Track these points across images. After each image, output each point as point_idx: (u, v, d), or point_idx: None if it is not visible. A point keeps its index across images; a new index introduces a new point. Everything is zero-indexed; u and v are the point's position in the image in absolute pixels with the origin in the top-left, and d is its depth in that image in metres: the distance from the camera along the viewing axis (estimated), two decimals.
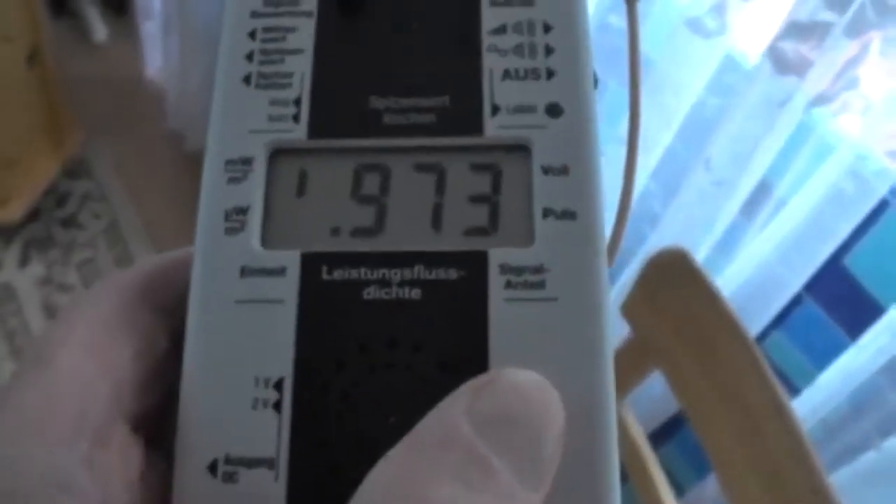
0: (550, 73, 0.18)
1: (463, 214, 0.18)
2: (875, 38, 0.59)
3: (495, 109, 0.18)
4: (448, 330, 0.17)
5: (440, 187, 0.18)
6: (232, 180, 0.18)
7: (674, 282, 0.56)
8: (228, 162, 0.18)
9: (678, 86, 0.74)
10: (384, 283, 0.17)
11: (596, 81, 0.19)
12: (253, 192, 0.18)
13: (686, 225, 0.77)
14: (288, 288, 0.17)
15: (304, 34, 0.19)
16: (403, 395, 0.16)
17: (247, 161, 0.18)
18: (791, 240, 0.71)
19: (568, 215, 0.17)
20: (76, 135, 1.42)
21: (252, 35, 0.19)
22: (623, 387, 0.65)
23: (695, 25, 0.70)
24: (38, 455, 0.15)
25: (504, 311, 0.17)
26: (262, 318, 0.17)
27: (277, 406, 0.16)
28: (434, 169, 0.18)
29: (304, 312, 0.17)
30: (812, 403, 0.72)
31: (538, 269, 0.17)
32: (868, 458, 0.68)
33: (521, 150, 0.18)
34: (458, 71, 0.19)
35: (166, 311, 0.18)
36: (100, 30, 1.70)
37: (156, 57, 1.53)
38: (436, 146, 0.18)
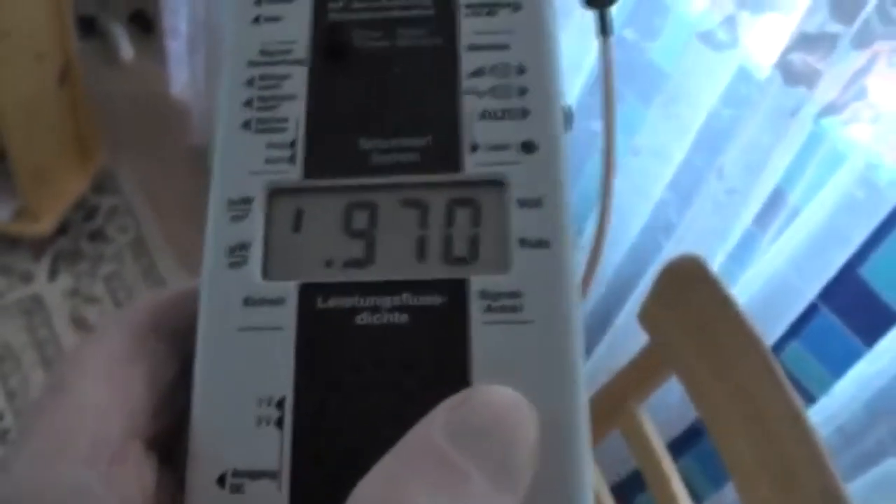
0: (525, 113, 0.20)
1: (445, 245, 0.19)
2: (882, 49, 0.60)
3: (474, 147, 0.20)
4: (433, 351, 0.18)
5: (424, 221, 0.19)
6: (234, 218, 0.20)
7: (689, 288, 0.57)
8: (231, 202, 0.20)
9: (692, 97, 0.75)
10: (375, 309, 0.19)
11: (570, 117, 0.20)
12: (254, 229, 0.19)
13: (701, 234, 0.78)
14: (287, 316, 0.19)
15: (297, 81, 0.21)
16: (393, 412, 0.17)
17: (247, 201, 0.20)
18: (805, 248, 0.71)
19: (542, 244, 0.19)
20: (104, 151, 1.46)
21: (250, 83, 0.21)
22: (641, 393, 0.65)
23: (707, 39, 0.71)
24: (63, 473, 0.16)
25: (484, 332, 0.18)
26: (264, 344, 0.18)
27: (280, 423, 0.18)
28: (418, 204, 0.20)
29: (302, 337, 0.18)
30: (828, 412, 0.72)
31: (515, 294, 0.18)
32: (886, 465, 0.68)
33: (497, 184, 0.19)
34: (439, 112, 0.20)
35: (176, 338, 0.19)
36: (127, 49, 1.74)
37: (181, 75, 1.56)
38: (419, 182, 0.20)
